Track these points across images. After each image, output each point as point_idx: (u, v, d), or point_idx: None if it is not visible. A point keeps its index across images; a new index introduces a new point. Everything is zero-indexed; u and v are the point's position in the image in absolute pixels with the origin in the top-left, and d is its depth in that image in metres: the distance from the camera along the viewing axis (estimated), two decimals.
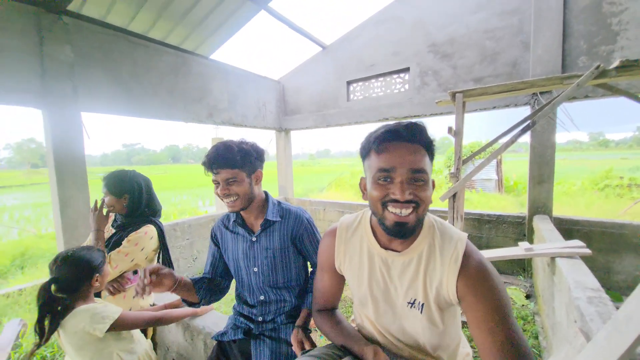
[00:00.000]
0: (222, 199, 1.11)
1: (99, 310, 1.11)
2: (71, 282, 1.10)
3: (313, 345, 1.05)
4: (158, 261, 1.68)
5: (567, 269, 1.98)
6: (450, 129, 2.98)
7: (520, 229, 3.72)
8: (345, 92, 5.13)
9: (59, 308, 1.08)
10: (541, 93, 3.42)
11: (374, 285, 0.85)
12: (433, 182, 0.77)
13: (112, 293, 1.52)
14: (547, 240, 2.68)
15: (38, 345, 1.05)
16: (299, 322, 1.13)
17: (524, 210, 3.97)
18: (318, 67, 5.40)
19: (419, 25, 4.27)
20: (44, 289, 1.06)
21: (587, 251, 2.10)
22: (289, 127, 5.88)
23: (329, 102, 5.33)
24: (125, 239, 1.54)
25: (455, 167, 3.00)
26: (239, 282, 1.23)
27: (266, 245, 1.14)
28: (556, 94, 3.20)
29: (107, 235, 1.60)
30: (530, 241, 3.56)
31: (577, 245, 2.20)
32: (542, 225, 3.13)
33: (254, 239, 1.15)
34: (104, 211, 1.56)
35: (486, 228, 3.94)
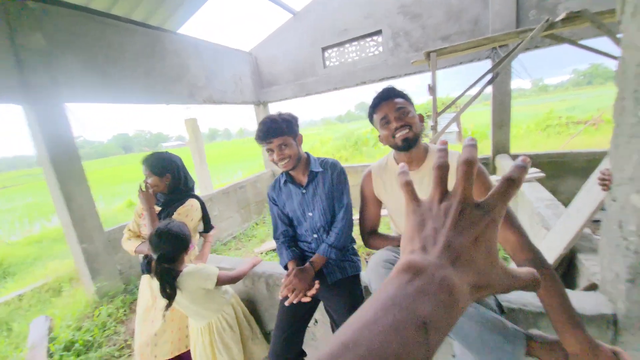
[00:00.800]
0: (277, 163, 1.35)
1: (204, 270, 1.42)
2: (174, 253, 1.34)
3: (303, 285, 1.25)
4: (203, 227, 1.89)
5: (528, 189, 2.55)
6: (429, 86, 3.34)
7: (488, 169, 4.37)
8: (321, 59, 5.22)
9: (172, 275, 1.33)
10: (499, 46, 3.87)
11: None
12: (420, 115, 1.18)
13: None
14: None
15: (167, 306, 1.34)
16: (314, 259, 1.34)
17: (484, 154, 4.61)
18: (290, 35, 5.35)
19: None
20: (157, 263, 1.29)
21: (542, 174, 2.68)
22: (267, 99, 5.89)
23: (306, 70, 5.40)
24: (175, 212, 1.72)
25: (433, 119, 3.41)
26: (298, 226, 1.50)
27: (314, 193, 1.42)
28: (512, 47, 3.65)
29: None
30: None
31: (533, 171, 2.78)
32: (504, 162, 3.76)
33: (303, 191, 1.42)
34: (150, 191, 1.72)
35: None
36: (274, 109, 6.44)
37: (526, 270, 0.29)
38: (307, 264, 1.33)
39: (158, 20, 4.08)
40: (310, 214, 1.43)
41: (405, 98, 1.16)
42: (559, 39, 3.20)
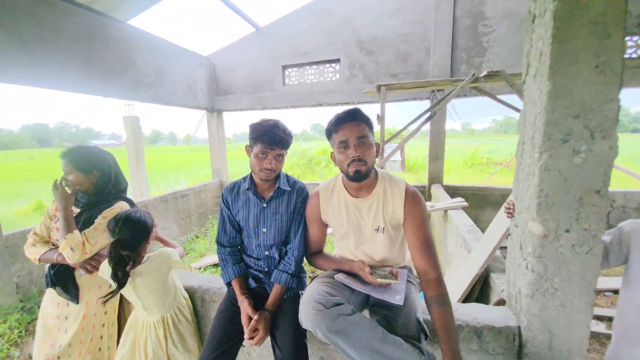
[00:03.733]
0: (259, 169, 1.29)
1: (165, 253, 1.45)
2: (132, 240, 1.30)
3: (266, 333, 1.24)
4: None
5: (455, 215, 2.89)
6: (377, 116, 3.65)
7: (424, 196, 4.84)
8: (281, 76, 5.33)
9: (130, 262, 1.31)
10: (437, 90, 4.45)
11: (351, 223, 1.27)
12: (377, 144, 1.19)
13: (89, 271, 1.51)
14: (441, 200, 3.68)
15: (114, 292, 1.31)
16: (268, 304, 1.30)
17: (422, 182, 5.13)
18: (252, 48, 5.38)
19: (347, 21, 4.80)
20: (114, 248, 1.27)
21: (465, 204, 3.08)
22: (221, 107, 5.72)
23: (265, 85, 5.44)
24: (100, 215, 1.51)
25: (381, 147, 3.71)
26: (247, 238, 1.44)
27: (275, 210, 1.38)
28: (447, 92, 4.24)
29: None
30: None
31: (460, 200, 3.18)
32: (437, 191, 4.22)
33: (264, 204, 1.37)
34: (67, 189, 1.49)
35: None
36: (229, 117, 6.26)
37: None
38: (265, 312, 1.27)
39: (104, 7, 3.74)
40: (264, 229, 1.39)
41: (368, 124, 1.15)
42: (482, 92, 3.83)
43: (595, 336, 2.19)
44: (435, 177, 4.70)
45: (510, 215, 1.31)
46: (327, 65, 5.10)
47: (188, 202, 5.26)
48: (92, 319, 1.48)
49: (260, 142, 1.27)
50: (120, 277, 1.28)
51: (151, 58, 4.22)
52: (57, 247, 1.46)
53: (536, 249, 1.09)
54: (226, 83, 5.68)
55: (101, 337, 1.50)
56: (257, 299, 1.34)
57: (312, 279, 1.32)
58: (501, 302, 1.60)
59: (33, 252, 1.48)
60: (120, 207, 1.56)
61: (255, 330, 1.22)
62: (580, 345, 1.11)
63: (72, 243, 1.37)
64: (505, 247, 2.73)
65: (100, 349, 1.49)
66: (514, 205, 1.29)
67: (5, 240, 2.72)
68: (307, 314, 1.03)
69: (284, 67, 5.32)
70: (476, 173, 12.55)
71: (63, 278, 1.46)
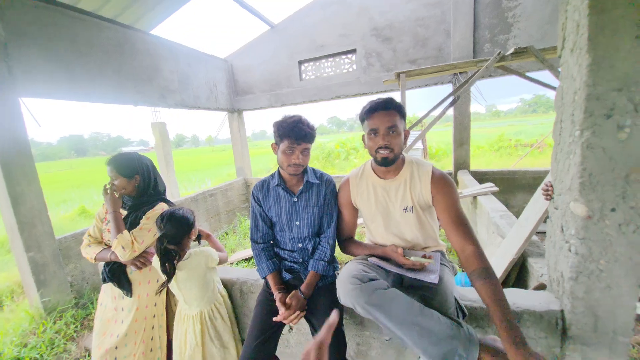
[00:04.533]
0: (287, 165, 1.34)
1: (208, 250, 1.55)
2: (176, 235, 1.41)
3: (299, 311, 1.28)
4: None
5: (485, 201, 2.81)
6: None
7: None
8: (297, 72, 5.35)
9: (176, 256, 1.41)
10: (460, 73, 4.28)
11: (379, 205, 1.32)
12: (406, 131, 1.24)
13: (139, 267, 1.64)
14: (468, 186, 3.58)
15: (165, 283, 1.43)
16: (302, 287, 1.35)
17: (447, 169, 4.99)
18: (268, 46, 5.44)
19: (363, 10, 4.71)
20: (160, 242, 1.39)
21: (496, 189, 2.97)
22: (241, 107, 5.85)
23: (282, 82, 5.49)
24: (144, 216, 1.64)
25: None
26: (280, 232, 1.49)
27: (306, 203, 1.43)
28: (471, 74, 4.07)
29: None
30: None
31: (490, 186, 3.07)
32: (464, 177, 4.09)
33: (295, 199, 1.42)
34: (115, 194, 1.62)
35: None
36: (248, 117, 6.38)
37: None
38: (298, 292, 1.33)
39: (129, 19, 3.94)
40: (297, 222, 1.43)
41: (400, 113, 1.19)
42: (508, 70, 3.64)
43: None
44: (461, 163, 4.56)
45: (549, 197, 1.27)
46: (343, 56, 5.05)
47: (216, 200, 5.48)
48: (144, 310, 1.61)
49: (286, 139, 1.31)
50: (169, 269, 1.39)
51: (175, 65, 4.40)
52: (109, 246, 1.61)
53: (579, 230, 1.05)
54: (245, 83, 5.79)
55: (152, 327, 1.63)
56: (289, 288, 1.40)
57: (345, 264, 1.36)
58: (541, 287, 1.55)
59: (89, 252, 1.63)
60: (161, 207, 1.68)
61: (289, 309, 1.27)
62: (626, 326, 1.07)
63: (123, 242, 1.50)
64: (542, 232, 2.61)
65: (152, 338, 1.62)
66: (552, 186, 1.24)
67: (59, 244, 3.00)
68: (345, 289, 1.08)
69: (300, 63, 5.34)
70: (504, 157, 11.96)
71: (117, 274, 1.60)
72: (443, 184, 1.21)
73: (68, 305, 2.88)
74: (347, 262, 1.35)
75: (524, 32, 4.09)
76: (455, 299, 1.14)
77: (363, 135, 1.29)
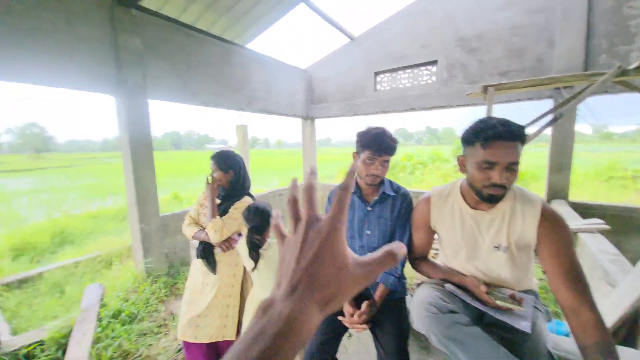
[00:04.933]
0: (366, 174, 1.38)
1: None
2: (261, 226, 1.59)
3: (366, 321, 1.25)
4: None
5: (590, 240, 2.36)
6: None
7: None
8: (372, 83, 5.40)
9: (259, 245, 1.59)
10: (564, 87, 3.71)
11: (465, 236, 1.17)
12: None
13: (224, 250, 1.88)
14: (568, 220, 3.04)
15: (254, 268, 1.59)
16: (376, 297, 1.34)
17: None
18: (346, 58, 5.64)
19: (448, 20, 4.51)
20: (249, 233, 1.59)
21: (606, 227, 2.47)
22: (315, 115, 6.17)
23: (356, 92, 5.61)
24: (232, 207, 1.88)
25: None
26: (351, 239, 1.52)
27: (379, 214, 1.44)
28: (578, 89, 3.50)
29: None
30: None
31: (598, 222, 2.57)
32: (562, 208, 3.50)
33: (369, 208, 1.45)
34: (214, 184, 1.90)
35: None
36: (320, 124, 6.69)
37: (378, 252, 0.32)
38: (370, 303, 1.32)
39: (231, 35, 4.57)
40: (368, 232, 1.45)
41: (523, 143, 0.98)
42: (631, 87, 3.02)
43: None
44: (558, 191, 3.91)
45: None
46: (422, 68, 4.89)
47: (283, 200, 5.87)
48: (224, 289, 1.83)
49: (368, 149, 1.34)
50: (255, 256, 1.57)
51: (262, 75, 4.92)
52: (204, 228, 1.89)
53: None
54: (320, 92, 6.10)
55: (227, 306, 1.84)
56: (358, 297, 1.41)
57: (419, 284, 1.32)
58: None
59: (189, 230, 1.94)
60: (247, 201, 1.91)
61: (361, 316, 1.26)
62: None
63: (216, 226, 1.75)
64: None
65: (227, 315, 1.83)
66: None
67: (161, 220, 3.62)
68: (420, 316, 1.03)
69: (376, 74, 5.37)
70: (616, 189, 9.78)
71: (207, 253, 1.87)
72: (556, 226, 1.00)
73: (162, 273, 3.45)
74: (419, 283, 1.31)
75: None
76: (549, 352, 0.98)
77: (461, 157, 1.10)
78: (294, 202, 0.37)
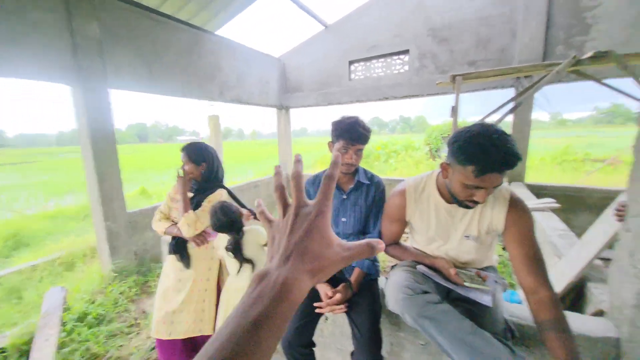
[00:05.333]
0: (339, 164, 1.43)
1: (255, 230, 1.70)
2: (226, 223, 1.61)
3: (343, 302, 1.33)
4: None
5: (542, 218, 2.59)
6: (452, 108, 3.44)
7: None
8: (347, 72, 5.40)
9: (239, 238, 1.64)
10: (525, 77, 3.96)
11: (439, 228, 1.23)
12: None
13: (198, 245, 1.85)
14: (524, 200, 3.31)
15: (242, 263, 1.64)
16: (352, 281, 1.38)
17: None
18: (320, 46, 5.57)
19: (420, 10, 4.58)
20: (230, 239, 1.64)
21: (557, 205, 2.72)
22: (289, 104, 6.08)
23: (331, 81, 5.59)
24: (206, 199, 1.84)
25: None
26: None
27: (355, 202, 1.48)
28: (537, 79, 3.74)
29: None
30: None
31: (549, 201, 2.82)
32: (519, 190, 3.79)
33: (344, 196, 1.49)
34: (185, 177, 1.84)
35: None
36: (296, 114, 6.61)
37: (359, 242, 0.35)
38: (346, 285, 1.37)
39: (201, 21, 4.33)
40: (344, 219, 1.49)
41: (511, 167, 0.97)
42: (583, 76, 3.28)
43: None
44: (516, 175, 4.22)
45: (621, 219, 1.16)
46: (395, 57, 4.97)
47: (259, 192, 5.80)
48: (199, 283, 1.81)
49: (342, 138, 1.36)
50: (241, 258, 1.62)
51: (234, 63, 4.74)
52: (176, 223, 1.83)
53: None
54: (294, 81, 6.01)
55: (204, 301, 1.82)
56: (334, 281, 1.45)
57: (392, 267, 1.38)
58: (599, 314, 1.43)
59: (160, 226, 1.87)
60: (220, 193, 1.88)
61: (337, 295, 1.33)
62: None
63: (189, 220, 1.71)
64: (604, 259, 2.34)
65: (203, 310, 1.81)
66: (626, 207, 1.14)
67: (129, 217, 3.44)
68: (396, 298, 1.09)
69: (350, 62, 5.37)
70: (568, 171, 10.68)
71: (180, 248, 1.83)
72: (521, 214, 1.08)
73: (132, 271, 3.31)
74: (393, 266, 1.37)
75: (604, 34, 3.64)
76: (505, 319, 1.10)
77: (445, 164, 1.08)
78: (281, 189, 0.40)
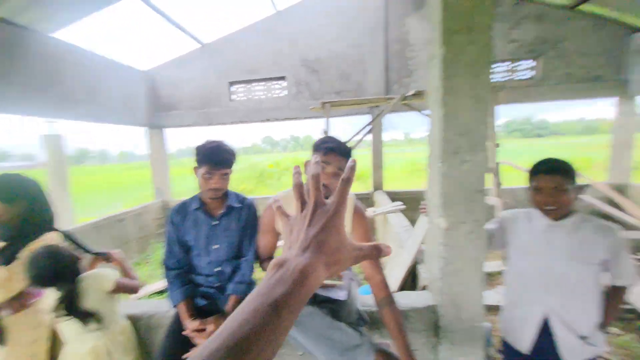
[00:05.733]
0: (207, 189, 1.35)
1: (100, 273, 1.38)
2: (53, 275, 1.25)
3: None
4: None
5: (393, 218, 3.24)
6: (323, 131, 3.92)
7: (368, 202, 5.24)
8: (227, 92, 5.34)
9: (73, 292, 1.27)
10: (375, 106, 4.95)
11: None
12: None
13: (16, 311, 1.39)
14: (382, 205, 4.07)
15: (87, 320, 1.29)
16: (228, 310, 1.35)
17: (367, 189, 5.56)
18: (196, 64, 5.31)
19: (293, 42, 5.09)
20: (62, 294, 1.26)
21: (403, 206, 3.46)
22: (164, 124, 5.46)
23: (211, 101, 5.38)
24: (27, 249, 1.42)
25: None
26: (197, 257, 1.46)
27: (226, 227, 1.43)
28: (382, 108, 4.75)
29: None
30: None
31: (398, 204, 3.56)
32: (380, 197, 4.63)
33: (215, 222, 1.43)
34: None
35: None
36: (172, 134, 5.99)
37: (369, 244, 0.39)
38: (218, 316, 1.33)
39: (25, 20, 3.39)
40: (216, 246, 1.43)
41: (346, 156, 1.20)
42: (411, 107, 4.39)
43: (494, 308, 2.60)
44: (377, 184, 5.14)
45: (425, 213, 1.60)
46: (274, 82, 5.29)
47: (126, 226, 4.85)
48: None
49: (205, 164, 1.33)
50: (82, 315, 1.27)
51: (81, 73, 3.90)
52: None
53: (442, 239, 1.37)
54: (168, 98, 5.46)
55: None
56: (208, 313, 1.37)
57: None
58: (425, 288, 1.89)
59: None
60: (49, 238, 1.47)
61: (207, 326, 1.28)
62: (478, 312, 1.40)
63: None
64: None
65: None
66: (427, 204, 1.58)
67: None
68: None
69: (231, 83, 5.35)
70: (415, 179, 13.82)
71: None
72: (361, 217, 1.31)
73: None
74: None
75: (421, 77, 5.02)
76: (358, 310, 1.30)
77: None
78: (299, 186, 0.42)
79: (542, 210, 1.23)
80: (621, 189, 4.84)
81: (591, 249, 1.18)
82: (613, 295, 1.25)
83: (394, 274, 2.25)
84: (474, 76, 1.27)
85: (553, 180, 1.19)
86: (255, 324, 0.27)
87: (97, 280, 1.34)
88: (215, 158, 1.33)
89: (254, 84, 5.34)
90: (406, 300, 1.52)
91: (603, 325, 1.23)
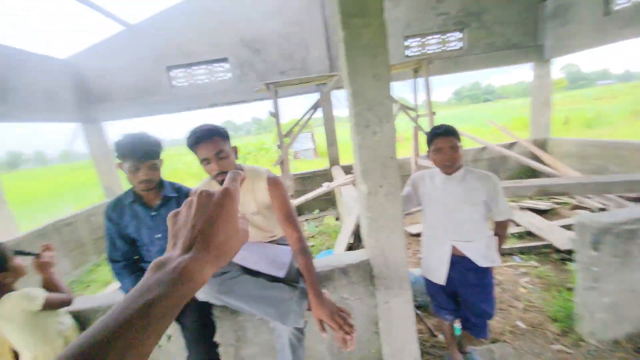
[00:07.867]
0: (137, 182, 1.35)
1: (25, 290, 1.29)
2: None
3: None
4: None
5: (344, 190, 3.47)
6: (271, 113, 3.93)
7: (327, 177, 5.44)
8: (166, 78, 5.02)
9: None
10: (323, 84, 5.01)
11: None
12: (235, 148, 1.34)
13: None
14: (337, 179, 4.29)
15: None
16: None
17: (325, 166, 5.75)
18: (126, 49, 4.87)
19: (230, 21, 4.85)
20: None
21: (354, 178, 3.69)
22: (100, 118, 5.04)
23: (150, 89, 5.03)
24: None
25: (279, 140, 4.03)
26: (144, 247, 1.51)
27: (166, 217, 1.46)
28: (329, 86, 4.83)
29: None
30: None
31: (350, 177, 3.79)
32: (336, 172, 4.84)
33: (153, 213, 1.46)
34: None
35: (307, 182, 5.43)
36: (114, 129, 5.56)
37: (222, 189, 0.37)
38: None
39: None
40: (159, 235, 1.47)
41: (223, 137, 1.26)
42: None
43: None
44: (333, 160, 5.33)
45: (354, 182, 1.79)
46: (216, 64, 5.07)
47: (76, 230, 4.57)
48: None
49: (128, 159, 1.33)
50: None
51: None
52: None
53: (366, 202, 1.57)
54: (100, 90, 5.00)
55: None
56: None
57: None
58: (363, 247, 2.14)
59: None
60: None
61: None
62: (402, 260, 1.66)
63: None
64: None
65: None
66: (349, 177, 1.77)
67: None
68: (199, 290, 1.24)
69: (169, 68, 5.03)
70: None
71: None
72: (277, 187, 1.40)
73: None
74: None
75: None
76: (297, 270, 1.46)
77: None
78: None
79: (441, 167, 1.49)
80: (542, 144, 5.55)
81: (475, 193, 1.46)
82: (498, 228, 1.58)
83: (341, 238, 2.49)
84: (372, 57, 1.41)
85: (449, 141, 1.45)
86: (116, 328, 0.26)
87: (18, 300, 1.26)
88: (137, 152, 1.33)
89: (194, 68, 5.07)
90: (344, 258, 1.73)
91: (498, 247, 1.55)
